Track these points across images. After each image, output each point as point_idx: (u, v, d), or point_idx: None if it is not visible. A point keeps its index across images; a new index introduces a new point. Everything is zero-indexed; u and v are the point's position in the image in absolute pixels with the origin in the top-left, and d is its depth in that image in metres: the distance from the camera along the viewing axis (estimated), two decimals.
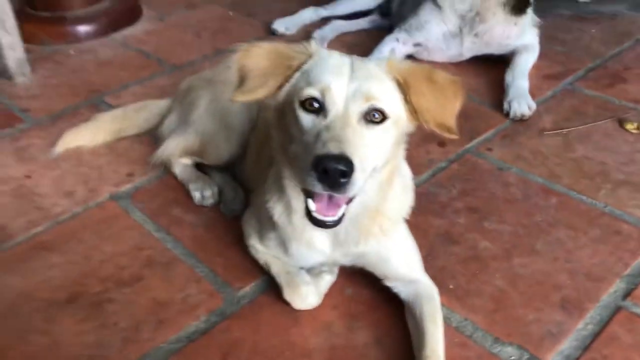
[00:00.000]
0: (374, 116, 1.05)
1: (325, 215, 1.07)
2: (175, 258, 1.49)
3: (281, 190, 1.23)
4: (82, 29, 2.75)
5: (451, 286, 1.38)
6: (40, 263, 1.48)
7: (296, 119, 1.07)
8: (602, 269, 1.41)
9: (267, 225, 1.33)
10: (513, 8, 2.17)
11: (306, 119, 1.06)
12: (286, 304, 1.32)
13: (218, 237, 1.55)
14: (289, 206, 1.22)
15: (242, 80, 1.13)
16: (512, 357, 1.22)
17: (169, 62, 2.47)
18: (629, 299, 1.33)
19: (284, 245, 1.31)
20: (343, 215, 1.08)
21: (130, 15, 2.91)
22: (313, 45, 1.14)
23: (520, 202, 1.63)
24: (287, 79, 1.12)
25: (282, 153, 1.18)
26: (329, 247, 1.25)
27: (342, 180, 0.97)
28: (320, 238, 1.24)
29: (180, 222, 1.61)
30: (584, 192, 1.65)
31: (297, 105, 1.07)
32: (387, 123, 1.06)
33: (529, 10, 2.24)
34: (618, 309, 1.31)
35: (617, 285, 1.37)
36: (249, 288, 1.40)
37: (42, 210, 1.66)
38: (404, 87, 1.08)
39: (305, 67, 1.11)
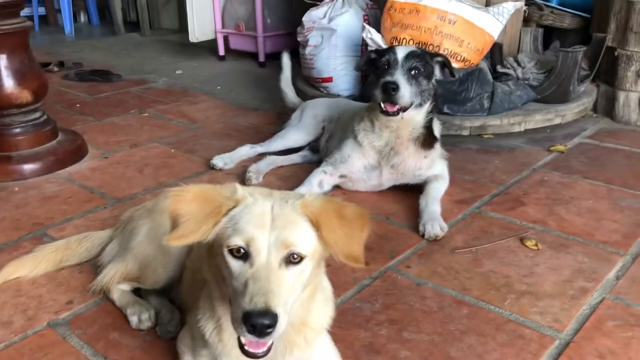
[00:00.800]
0: (293, 257, 1.18)
1: (255, 349, 1.20)
2: None
3: (212, 310, 1.34)
4: (28, 167, 2.89)
5: None
6: None
7: (226, 263, 1.19)
8: None
9: (199, 342, 1.42)
10: (422, 144, 2.49)
11: (234, 265, 1.18)
12: None
13: (154, 358, 1.62)
14: (220, 325, 1.33)
15: (174, 225, 1.22)
16: None
17: (112, 196, 2.62)
18: None
19: None
20: (272, 344, 1.21)
21: (76, 153, 3.08)
22: (239, 191, 1.24)
23: (435, 313, 1.79)
24: (216, 223, 1.21)
25: (214, 283, 1.30)
26: None
27: (268, 330, 1.10)
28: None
29: (118, 345, 1.67)
30: (491, 302, 1.84)
31: (225, 251, 1.19)
32: (304, 261, 1.20)
33: (437, 145, 2.56)
34: None
35: None
36: None
37: None
38: (316, 225, 1.21)
39: (232, 213, 1.22)
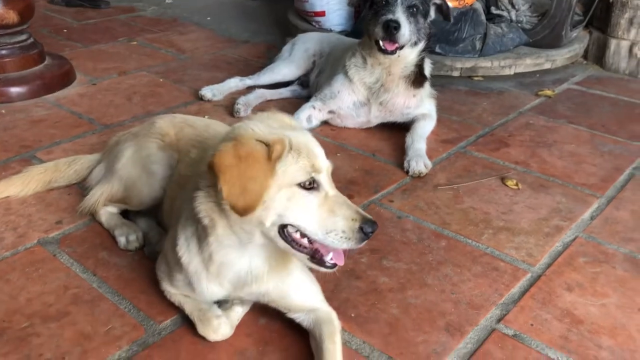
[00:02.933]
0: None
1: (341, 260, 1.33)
2: (100, 296, 1.60)
3: (202, 245, 1.35)
4: (15, 90, 2.87)
5: (352, 315, 1.56)
6: None
7: (299, 199, 1.23)
8: (481, 299, 1.64)
9: (175, 267, 1.46)
10: (412, 82, 2.50)
11: (311, 198, 1.24)
12: None
13: (141, 277, 1.68)
14: (210, 257, 1.35)
15: (236, 197, 1.20)
16: None
17: (100, 122, 2.62)
18: (501, 322, 1.56)
19: (190, 285, 1.43)
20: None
21: (64, 79, 3.05)
22: (273, 134, 1.24)
23: (414, 244, 1.86)
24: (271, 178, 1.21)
25: (227, 223, 1.29)
26: (233, 288, 1.40)
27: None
28: (227, 279, 1.39)
29: (106, 264, 1.73)
30: (469, 236, 1.91)
31: (297, 188, 1.23)
32: None
33: (426, 84, 2.57)
34: (492, 331, 1.53)
35: (493, 312, 1.60)
36: (169, 321, 1.53)
37: None
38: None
39: (285, 155, 1.22)
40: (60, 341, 1.45)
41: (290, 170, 1.22)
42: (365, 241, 1.26)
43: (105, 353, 1.42)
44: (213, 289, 1.41)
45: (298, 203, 1.23)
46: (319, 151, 1.27)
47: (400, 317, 1.56)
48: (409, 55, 2.45)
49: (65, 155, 2.26)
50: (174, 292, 1.52)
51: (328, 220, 1.24)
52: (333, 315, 1.45)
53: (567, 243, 1.89)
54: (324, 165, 1.26)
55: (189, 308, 1.49)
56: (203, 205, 1.30)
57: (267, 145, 1.21)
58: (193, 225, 1.37)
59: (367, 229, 1.23)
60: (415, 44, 2.43)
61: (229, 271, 1.37)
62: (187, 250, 1.39)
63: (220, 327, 1.44)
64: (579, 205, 2.10)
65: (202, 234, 1.35)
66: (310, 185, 1.24)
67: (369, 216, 1.25)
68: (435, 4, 2.50)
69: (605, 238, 1.92)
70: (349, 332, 1.50)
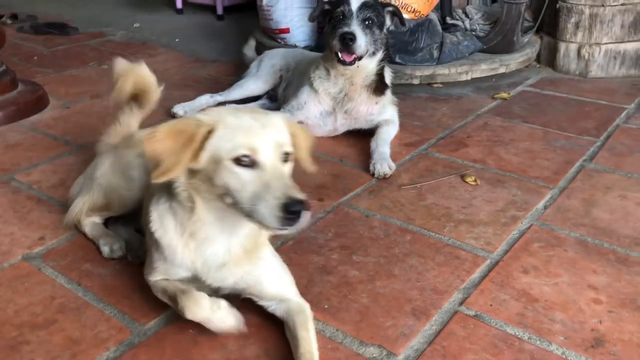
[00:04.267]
0: (285, 155, 1.37)
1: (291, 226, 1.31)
2: (86, 303, 1.69)
3: (180, 224, 1.46)
4: None
5: (326, 306, 1.67)
6: None
7: (234, 175, 1.31)
8: (444, 285, 1.77)
9: (152, 249, 1.55)
10: (374, 90, 2.64)
11: (246, 174, 1.31)
12: (188, 331, 1.55)
13: (125, 283, 1.77)
14: (193, 234, 1.45)
15: (156, 164, 1.34)
16: (374, 355, 1.51)
17: (76, 142, 2.70)
18: (463, 305, 1.68)
19: (166, 261, 1.51)
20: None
21: (38, 103, 3.13)
22: (209, 117, 1.37)
23: (382, 240, 1.98)
24: (197, 150, 1.33)
25: (211, 201, 1.40)
26: (207, 269, 1.49)
27: (302, 211, 1.28)
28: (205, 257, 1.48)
29: (91, 274, 1.81)
30: (432, 230, 2.04)
31: (231, 164, 1.31)
32: (290, 158, 1.39)
33: (388, 92, 2.72)
34: (455, 313, 1.65)
35: (455, 296, 1.72)
36: (154, 322, 1.62)
37: None
38: (292, 136, 1.42)
39: (219, 133, 1.34)
40: (50, 347, 1.53)
41: (223, 146, 1.32)
42: (295, 223, 1.29)
43: (93, 354, 1.50)
44: (187, 263, 1.49)
45: (231, 176, 1.32)
46: (263, 133, 1.34)
47: (370, 306, 1.68)
48: (369, 65, 2.59)
49: (44, 176, 2.35)
50: (155, 278, 1.57)
51: (260, 193, 1.29)
52: (306, 306, 1.56)
53: (522, 231, 2.04)
54: (263, 147, 1.32)
55: (171, 289, 1.53)
56: (181, 186, 1.42)
57: (200, 125, 1.34)
58: (167, 202, 1.49)
59: (292, 207, 1.26)
60: (374, 54, 2.58)
61: (207, 248, 1.47)
62: (160, 225, 1.49)
63: (201, 300, 1.46)
64: (533, 196, 2.25)
65: (179, 211, 1.46)
66: (246, 163, 1.31)
67: (299, 196, 1.28)
68: (389, 12, 2.66)
69: (557, 225, 2.07)
70: (323, 322, 1.61)
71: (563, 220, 2.09)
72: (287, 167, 1.38)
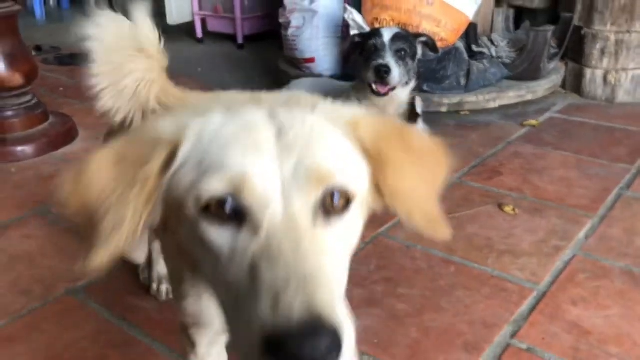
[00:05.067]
0: (334, 201, 0.69)
1: None
2: (133, 339, 1.67)
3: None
4: (22, 149, 2.95)
5: (375, 340, 1.65)
6: (5, 353, 1.61)
7: (202, 238, 0.69)
8: (494, 318, 1.74)
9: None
10: (407, 119, 2.65)
11: (220, 239, 0.67)
12: None
13: (169, 319, 1.75)
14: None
15: (88, 228, 0.73)
16: None
17: None
18: (515, 338, 1.65)
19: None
20: None
21: (68, 135, 3.16)
22: (187, 113, 0.75)
23: (425, 271, 1.96)
24: (152, 191, 0.71)
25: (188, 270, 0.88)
26: None
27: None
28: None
29: (135, 309, 1.80)
30: (475, 261, 2.02)
31: (198, 213, 0.68)
32: (353, 206, 0.71)
33: (419, 121, 2.72)
34: (507, 346, 1.62)
35: (506, 329, 1.69)
36: None
37: (1, 308, 1.80)
38: (373, 155, 0.72)
39: (185, 147, 0.71)
40: None
41: (183, 179, 0.70)
42: None
43: None
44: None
45: (197, 242, 0.70)
46: (268, 149, 0.67)
47: (420, 340, 1.65)
48: (401, 95, 2.60)
49: None
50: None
51: (244, 294, 0.64)
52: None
53: (566, 261, 2.01)
54: (263, 180, 0.66)
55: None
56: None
57: (157, 142, 0.72)
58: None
59: (302, 349, 0.57)
60: (407, 83, 2.59)
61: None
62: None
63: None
64: (573, 225, 2.23)
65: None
66: (224, 215, 0.67)
67: (327, 321, 0.61)
68: (421, 42, 2.67)
69: (601, 254, 2.04)
70: (374, 356, 1.59)
71: (607, 250, 2.06)
72: (338, 229, 0.71)
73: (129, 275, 1.94)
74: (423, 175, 0.80)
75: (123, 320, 1.75)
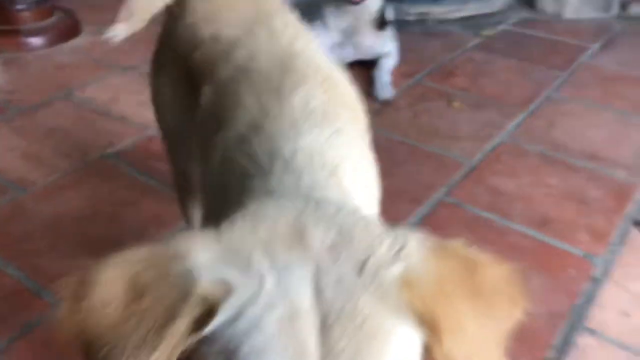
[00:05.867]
0: None
1: None
2: (159, 189, 2.19)
3: None
4: (35, 39, 3.30)
5: None
6: (60, 198, 2.11)
7: None
8: (433, 183, 2.29)
9: None
10: (377, 26, 3.08)
11: None
12: None
13: None
14: None
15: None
16: None
17: (120, 64, 3.12)
18: (447, 196, 2.22)
19: None
20: None
21: (74, 29, 3.50)
22: (220, 272, 0.59)
23: (384, 151, 2.48)
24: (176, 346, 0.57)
25: None
26: None
27: None
28: None
29: (159, 169, 2.30)
30: (424, 143, 2.55)
31: None
32: None
33: (389, 28, 3.16)
34: (440, 201, 2.19)
35: (441, 190, 2.25)
36: None
37: (52, 166, 2.28)
38: (429, 327, 0.59)
39: (218, 324, 0.58)
40: (141, 218, 2.04)
41: None
42: None
43: (174, 224, 2.02)
44: None
45: None
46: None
47: None
48: (373, 4, 3.02)
49: (98, 93, 2.78)
50: None
51: None
52: None
53: (495, 145, 2.56)
54: None
55: None
56: None
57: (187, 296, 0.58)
58: None
59: None
60: None
61: None
62: None
63: None
64: (506, 118, 2.76)
65: None
66: None
67: None
68: None
69: (523, 141, 2.59)
70: None
71: (528, 138, 2.62)
72: None
73: (152, 146, 2.42)
74: (490, 327, 0.63)
75: (151, 177, 2.25)
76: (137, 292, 0.58)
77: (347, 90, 1.15)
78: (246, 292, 0.57)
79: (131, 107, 2.69)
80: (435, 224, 2.07)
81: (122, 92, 2.79)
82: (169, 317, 0.56)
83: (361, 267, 0.59)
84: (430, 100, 2.90)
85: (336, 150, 0.90)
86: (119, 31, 1.38)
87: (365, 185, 0.95)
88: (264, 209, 0.66)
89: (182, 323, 0.56)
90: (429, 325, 0.58)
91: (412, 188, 2.25)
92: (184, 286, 0.57)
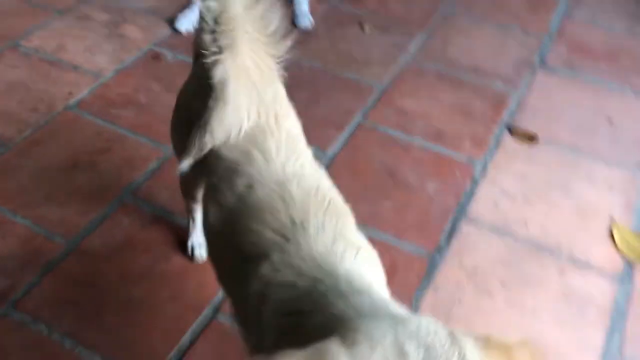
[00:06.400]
0: None
1: None
2: (125, 135, 2.58)
3: None
4: None
5: None
6: (39, 150, 2.48)
7: None
8: (351, 107, 2.80)
9: None
10: None
11: None
12: None
13: (152, 118, 2.65)
14: None
15: None
16: (313, 152, 2.58)
17: (54, 7, 3.29)
18: (366, 119, 2.75)
19: None
20: None
21: None
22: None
23: (307, 80, 2.95)
24: None
25: None
26: None
27: None
28: None
29: (120, 116, 2.67)
30: (344, 70, 3.01)
31: None
32: None
33: None
34: (359, 124, 2.72)
35: (359, 114, 2.77)
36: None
37: (22, 121, 2.60)
38: None
39: None
40: (113, 163, 2.45)
41: None
42: None
43: (144, 167, 2.45)
44: None
45: None
46: None
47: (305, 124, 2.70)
48: None
49: (44, 42, 3.01)
50: None
51: None
52: None
53: (401, 68, 3.06)
54: None
55: None
56: None
57: None
58: None
59: None
60: None
61: None
62: None
63: None
64: (409, 39, 3.25)
65: None
66: None
67: None
68: None
69: (424, 62, 3.11)
70: None
71: (427, 58, 3.13)
72: None
73: (111, 94, 2.76)
74: None
75: (114, 124, 2.63)
76: None
77: (337, 198, 1.29)
78: None
79: (79, 54, 2.96)
80: (356, 145, 2.61)
81: (67, 38, 3.03)
82: None
83: None
84: (345, 26, 3.32)
85: (364, 267, 1.10)
86: (187, 164, 1.44)
87: (383, 290, 1.12)
88: (368, 329, 0.79)
89: None
90: None
91: (335, 114, 2.75)
92: None
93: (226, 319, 1.92)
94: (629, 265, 2.17)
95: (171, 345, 1.86)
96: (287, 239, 1.12)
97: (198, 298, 1.98)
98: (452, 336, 0.78)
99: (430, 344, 0.76)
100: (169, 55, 3.04)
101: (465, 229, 2.28)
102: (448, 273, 2.12)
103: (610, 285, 2.11)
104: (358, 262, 1.09)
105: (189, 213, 1.99)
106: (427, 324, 0.80)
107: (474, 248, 2.21)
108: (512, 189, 2.44)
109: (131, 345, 1.86)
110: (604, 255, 2.20)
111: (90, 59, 2.95)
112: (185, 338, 1.88)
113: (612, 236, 2.27)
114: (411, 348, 0.75)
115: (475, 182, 2.47)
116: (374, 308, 0.92)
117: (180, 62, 2.97)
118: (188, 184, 1.74)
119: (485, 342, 0.81)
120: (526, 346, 0.84)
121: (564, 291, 2.09)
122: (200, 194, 1.67)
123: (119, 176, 2.39)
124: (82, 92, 2.77)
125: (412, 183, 2.44)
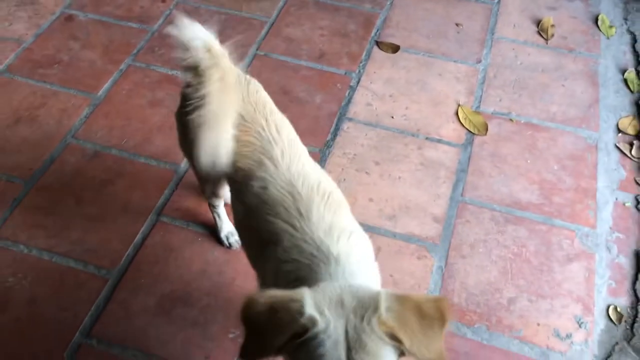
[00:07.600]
0: None
1: None
2: (56, 91, 3.01)
3: None
4: None
5: None
6: None
7: None
8: (246, 42, 3.31)
9: None
10: None
11: None
12: None
13: (84, 68, 3.08)
14: None
15: (245, 334, 1.18)
16: None
17: None
18: (260, 50, 3.28)
19: None
20: None
21: None
22: (308, 307, 1.11)
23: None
24: (282, 343, 1.11)
25: None
26: None
27: None
28: None
29: (48, 74, 3.07)
30: (234, 8, 3.49)
31: None
32: None
33: None
34: (255, 55, 3.25)
35: (254, 47, 3.30)
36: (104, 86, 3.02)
37: None
38: (396, 340, 1.10)
39: (304, 341, 1.11)
40: (47, 117, 2.90)
41: None
42: None
43: (76, 114, 2.91)
44: None
45: None
46: None
47: None
48: None
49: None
50: None
51: None
52: None
53: (286, 0, 3.56)
54: None
55: None
56: None
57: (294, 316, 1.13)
58: None
59: None
60: None
61: None
62: None
63: None
64: None
65: None
66: None
67: None
68: None
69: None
70: None
71: None
72: None
73: (37, 54, 3.14)
74: (428, 333, 1.13)
75: (45, 82, 3.04)
76: (272, 311, 1.14)
77: (335, 191, 1.57)
78: (321, 326, 1.09)
79: None
80: (254, 72, 3.12)
81: None
82: (285, 326, 1.11)
83: (363, 317, 1.11)
84: None
85: (355, 248, 1.41)
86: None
87: (368, 264, 1.44)
88: (329, 286, 1.19)
89: (285, 336, 1.10)
90: (396, 339, 1.09)
91: (232, 48, 3.25)
92: (295, 315, 1.10)
93: (168, 219, 2.49)
94: (470, 135, 2.87)
95: (128, 244, 2.42)
96: (295, 227, 1.42)
97: (143, 205, 2.53)
98: (379, 293, 1.13)
99: (361, 297, 1.13)
100: (80, 15, 3.42)
101: (346, 127, 2.91)
102: (335, 161, 2.75)
103: (456, 152, 2.80)
104: (350, 244, 1.40)
105: (213, 210, 2.31)
106: (366, 287, 1.19)
107: (353, 140, 2.84)
108: (380, 90, 3.07)
109: (97, 248, 2.41)
110: (452, 131, 2.89)
111: (8, 28, 3.30)
112: (138, 237, 2.44)
113: (457, 116, 2.95)
114: (348, 298, 1.12)
115: (352, 90, 3.08)
116: (344, 276, 1.31)
117: (91, 20, 3.37)
118: (209, 187, 2.09)
119: (403, 298, 1.14)
120: (435, 301, 1.16)
121: (422, 162, 2.76)
122: (222, 191, 2.09)
123: (58, 124, 2.85)
124: (9, 58, 3.15)
125: (303, 97, 3.02)
